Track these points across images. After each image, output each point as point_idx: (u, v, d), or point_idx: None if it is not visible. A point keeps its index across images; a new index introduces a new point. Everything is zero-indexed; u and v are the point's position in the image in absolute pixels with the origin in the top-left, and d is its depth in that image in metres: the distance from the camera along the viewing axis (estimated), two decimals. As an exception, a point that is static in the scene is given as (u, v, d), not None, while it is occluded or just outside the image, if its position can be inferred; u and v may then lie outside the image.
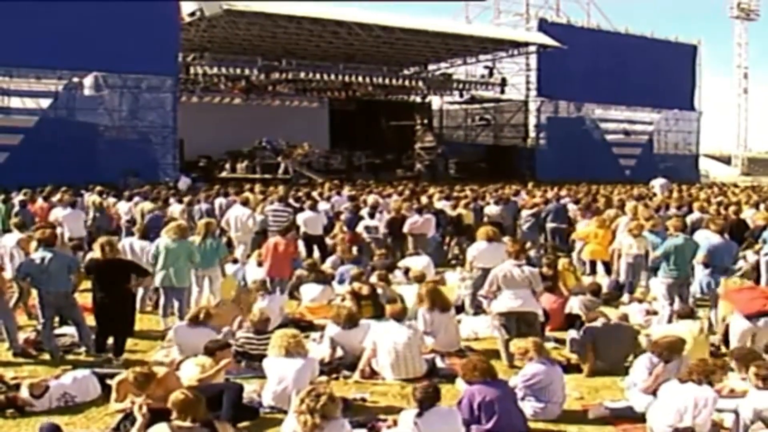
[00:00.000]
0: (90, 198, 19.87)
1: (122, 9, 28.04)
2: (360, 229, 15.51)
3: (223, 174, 38.05)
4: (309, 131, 41.33)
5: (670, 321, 10.00)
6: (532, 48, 40.51)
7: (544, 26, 40.59)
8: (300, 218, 15.54)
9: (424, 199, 20.22)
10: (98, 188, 20.77)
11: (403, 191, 24.37)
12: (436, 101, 49.09)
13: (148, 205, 16.72)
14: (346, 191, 22.63)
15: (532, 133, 44.14)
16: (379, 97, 44.70)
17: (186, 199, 19.67)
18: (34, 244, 10.76)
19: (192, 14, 31.31)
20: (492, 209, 17.76)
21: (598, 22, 44.62)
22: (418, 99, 47.53)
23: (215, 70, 34.33)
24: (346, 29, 34.22)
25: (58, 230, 13.63)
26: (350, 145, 41.69)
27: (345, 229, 15.96)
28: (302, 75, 36.30)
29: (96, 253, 9.10)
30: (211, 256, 10.84)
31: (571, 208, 18.46)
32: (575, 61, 39.04)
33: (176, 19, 30.65)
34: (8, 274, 10.45)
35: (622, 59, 41.71)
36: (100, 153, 30.17)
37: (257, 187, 23.45)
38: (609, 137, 44.94)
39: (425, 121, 47.02)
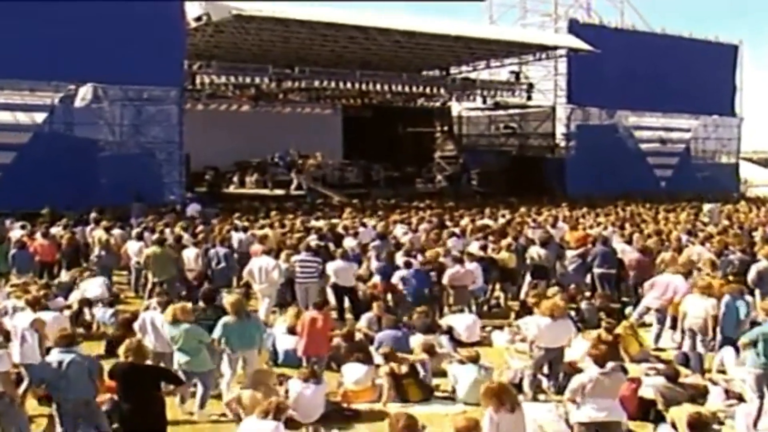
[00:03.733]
0: (95, 234, 19.38)
1: (123, 15, 27.42)
2: (395, 280, 14.92)
3: (232, 188, 37.71)
4: (321, 139, 40.97)
5: (759, 416, 9.46)
6: (562, 51, 39.76)
7: (574, 28, 39.82)
8: (330, 268, 15.02)
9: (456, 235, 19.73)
10: (104, 222, 20.21)
11: (431, 218, 23.96)
12: (456, 107, 48.44)
13: (156, 250, 16.08)
14: (371, 222, 22.09)
15: (560, 142, 43.44)
16: (396, 103, 44.13)
17: (200, 234, 19.42)
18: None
19: (198, 19, 30.63)
20: (538, 252, 17.09)
21: (633, 22, 43.81)
22: (437, 104, 46.92)
23: (223, 79, 33.76)
24: (363, 34, 33.59)
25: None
26: (365, 153, 41.29)
27: (378, 279, 15.38)
28: (316, 83, 35.76)
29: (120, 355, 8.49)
30: (249, 337, 10.28)
31: (620, 248, 17.82)
32: (608, 64, 38.33)
33: (181, 25, 29.97)
34: (16, 357, 9.91)
35: (658, 62, 40.89)
36: (101, 171, 29.56)
37: (274, 217, 22.96)
38: (644, 146, 44.10)
39: (445, 128, 46.54)
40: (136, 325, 10.84)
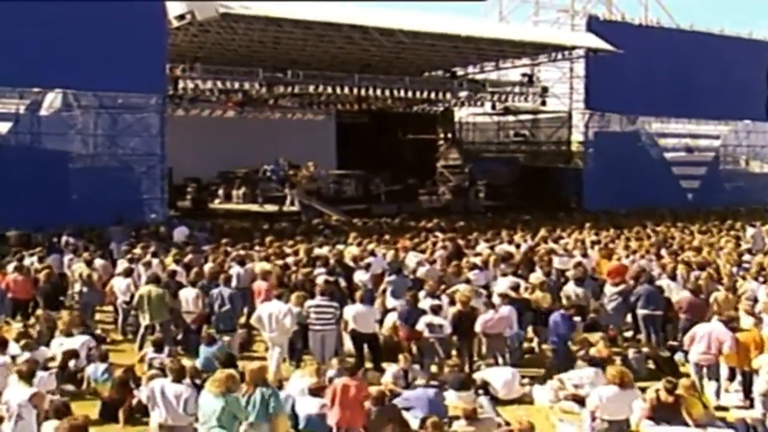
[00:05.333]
0: (75, 268, 18.94)
1: (97, 14, 27.09)
2: (421, 326, 14.54)
3: (216, 202, 37.31)
4: (313, 147, 40.86)
5: None
6: (579, 51, 39.44)
7: (593, 25, 39.56)
8: (348, 313, 14.67)
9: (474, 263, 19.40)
10: (85, 255, 19.73)
11: (444, 242, 23.69)
12: (461, 112, 48.19)
13: (151, 290, 15.69)
14: (381, 251, 21.73)
15: (577, 151, 43.22)
16: (397, 109, 43.86)
17: (194, 266, 19.02)
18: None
19: (181, 18, 30.16)
20: (575, 291, 16.80)
21: (658, 17, 43.60)
22: (440, 108, 46.62)
23: (209, 84, 33.33)
24: (362, 34, 33.21)
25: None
26: (361, 163, 41.00)
27: (395, 320, 15.07)
28: (311, 89, 35.45)
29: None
30: (263, 411, 9.85)
31: (664, 284, 17.51)
32: (629, 65, 38.13)
33: (162, 25, 29.50)
34: (8, 435, 9.51)
35: (685, 62, 40.93)
36: (73, 187, 29.23)
37: (271, 243, 22.60)
38: (669, 155, 43.89)
39: (449, 135, 46.32)
40: (143, 395, 10.43)
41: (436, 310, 14.59)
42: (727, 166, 46.77)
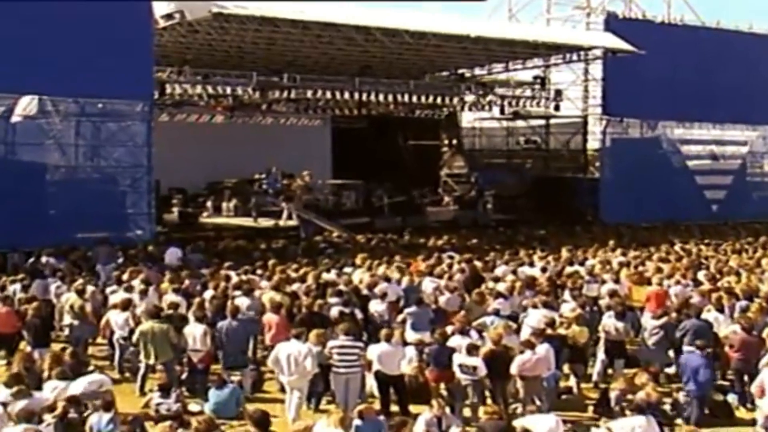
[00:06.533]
0: (65, 299, 18.59)
1: (77, 13, 26.86)
2: (453, 367, 14.36)
3: (205, 215, 37.03)
4: (307, 155, 40.55)
5: None
6: (596, 52, 39.24)
7: (612, 24, 39.42)
8: (373, 353, 14.51)
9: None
10: (77, 283, 19.40)
11: (460, 264, 23.56)
12: (466, 116, 48.10)
13: (154, 327, 15.47)
14: (393, 274, 21.50)
15: (593, 160, 43.13)
16: (397, 113, 43.69)
17: (193, 294, 18.85)
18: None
19: (168, 17, 29.85)
20: (615, 325, 16.63)
21: (682, 14, 43.36)
22: (443, 112, 46.46)
23: (198, 88, 33.08)
24: (364, 35, 32.99)
25: None
26: (359, 171, 40.73)
27: (432, 366, 14.83)
28: (309, 94, 35.25)
29: None
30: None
31: (711, 317, 17.35)
32: (650, 67, 37.81)
33: (148, 25, 29.19)
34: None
35: (711, 63, 40.54)
36: (51, 202, 28.97)
37: (275, 267, 22.35)
38: (692, 163, 43.64)
39: (453, 141, 46.17)
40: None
41: (471, 351, 14.38)
42: (754, 174, 46.47)
